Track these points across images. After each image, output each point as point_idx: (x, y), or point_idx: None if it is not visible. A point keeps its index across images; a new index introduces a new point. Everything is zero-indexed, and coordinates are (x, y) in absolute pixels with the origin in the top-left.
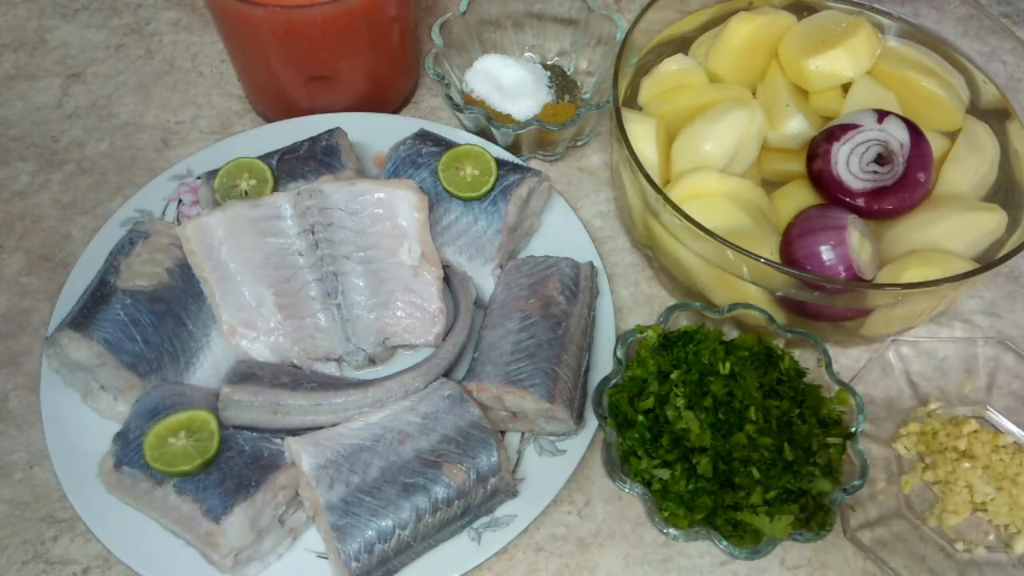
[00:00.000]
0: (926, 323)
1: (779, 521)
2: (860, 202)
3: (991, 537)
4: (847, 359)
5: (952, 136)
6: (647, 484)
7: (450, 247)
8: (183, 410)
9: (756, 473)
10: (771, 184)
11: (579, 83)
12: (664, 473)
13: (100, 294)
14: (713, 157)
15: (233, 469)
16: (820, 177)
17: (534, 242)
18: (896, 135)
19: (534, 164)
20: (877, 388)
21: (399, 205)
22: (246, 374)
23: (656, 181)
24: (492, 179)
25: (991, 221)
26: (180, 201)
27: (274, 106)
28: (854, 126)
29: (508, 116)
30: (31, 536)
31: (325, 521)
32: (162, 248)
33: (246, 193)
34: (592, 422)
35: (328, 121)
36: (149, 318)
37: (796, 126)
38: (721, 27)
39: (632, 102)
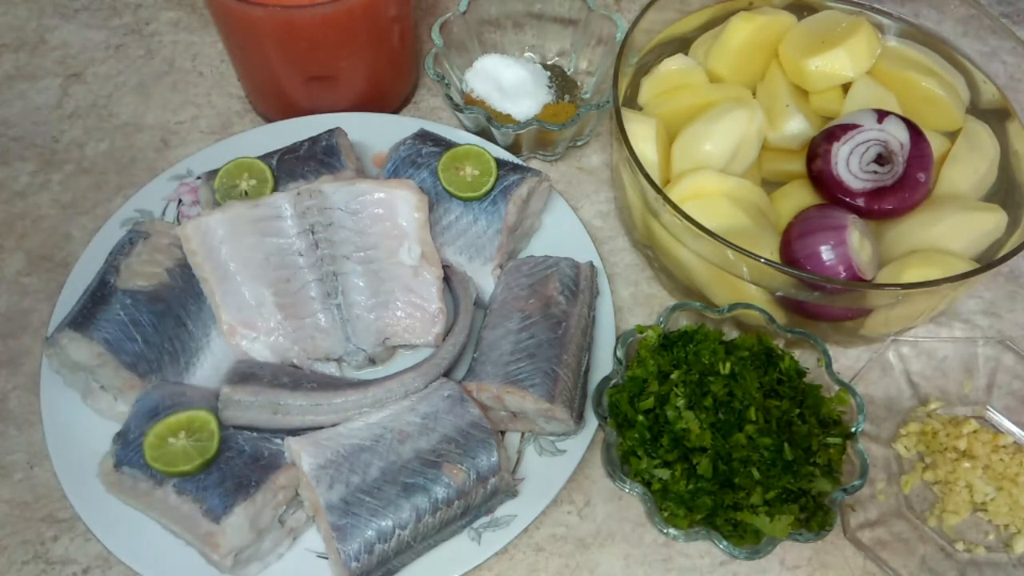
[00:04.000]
0: (926, 323)
1: (779, 521)
2: (860, 202)
3: (991, 537)
4: (847, 359)
5: (952, 136)
6: (647, 484)
7: (450, 247)
8: (183, 410)
9: (756, 473)
10: (771, 184)
11: (579, 83)
12: (664, 473)
13: (100, 294)
14: (713, 157)
15: (233, 469)
16: (820, 177)
17: (534, 242)
18: (896, 135)
19: (534, 164)
20: (877, 388)
21: (399, 205)
22: (246, 374)
23: (656, 181)
24: (492, 179)
25: (991, 221)
26: (180, 201)
27: (274, 106)
28: (854, 126)
29: (508, 116)
30: (31, 536)
31: (325, 521)
32: (162, 248)
33: (246, 193)
34: (592, 422)
35: (328, 121)
36: (149, 318)
37: (796, 126)
38: (721, 27)
39: (632, 102)
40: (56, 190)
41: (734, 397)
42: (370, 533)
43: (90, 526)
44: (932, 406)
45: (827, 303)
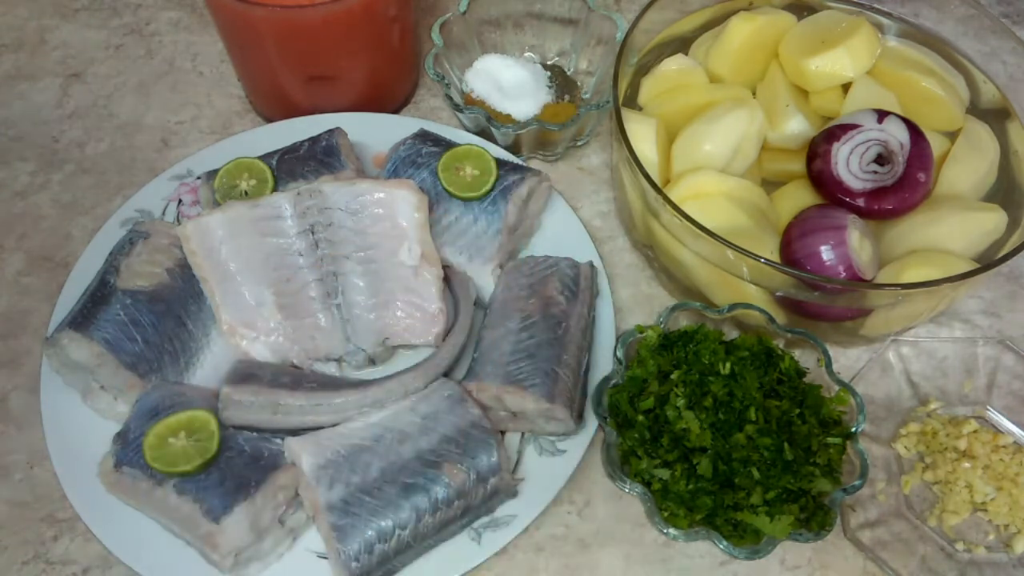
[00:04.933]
0: (926, 323)
1: (779, 521)
2: (860, 202)
3: (991, 537)
4: (847, 359)
5: (952, 136)
6: (647, 484)
7: (450, 247)
8: (183, 410)
9: (756, 473)
10: (771, 184)
11: (579, 83)
12: (664, 473)
13: (100, 294)
14: (713, 157)
15: (233, 469)
16: (820, 177)
17: (534, 242)
18: (896, 135)
19: (534, 164)
20: (877, 388)
21: (399, 205)
22: (246, 374)
23: (656, 181)
24: (492, 179)
25: (991, 221)
26: (180, 201)
27: (274, 106)
28: (854, 126)
29: (508, 116)
30: (31, 536)
31: (325, 521)
32: (162, 248)
33: (246, 193)
34: (592, 422)
35: (328, 121)
36: (149, 318)
37: (796, 126)
38: (721, 27)
39: (632, 102)
40: (56, 190)
41: (734, 397)
42: (370, 533)
43: (90, 526)
44: (932, 406)
45: (827, 303)
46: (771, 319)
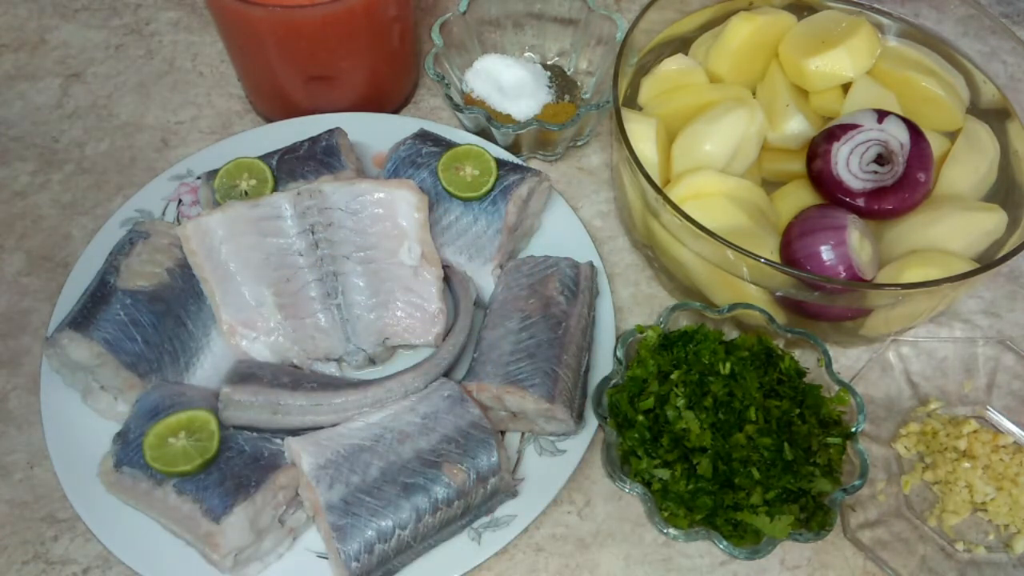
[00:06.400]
0: (926, 323)
1: (779, 521)
2: (860, 202)
3: (991, 537)
4: (847, 359)
5: (952, 136)
6: (647, 484)
7: (450, 247)
8: (183, 410)
9: (756, 473)
10: (771, 184)
11: (579, 83)
12: (664, 473)
13: (100, 294)
14: (713, 157)
15: (233, 469)
16: (820, 177)
17: (534, 242)
18: (896, 135)
19: (534, 164)
20: (877, 388)
21: (399, 205)
22: (246, 374)
23: (656, 181)
24: (492, 179)
25: (991, 221)
26: (180, 201)
27: (274, 106)
28: (854, 126)
29: (508, 116)
30: (31, 536)
31: (325, 521)
32: (162, 248)
33: (246, 193)
34: (592, 422)
35: (328, 121)
36: (149, 318)
37: (796, 126)
38: (721, 27)
39: (632, 102)
40: (56, 190)
41: (734, 397)
42: (370, 533)
43: (90, 526)
44: (932, 406)
45: (827, 303)
46: (771, 319)
